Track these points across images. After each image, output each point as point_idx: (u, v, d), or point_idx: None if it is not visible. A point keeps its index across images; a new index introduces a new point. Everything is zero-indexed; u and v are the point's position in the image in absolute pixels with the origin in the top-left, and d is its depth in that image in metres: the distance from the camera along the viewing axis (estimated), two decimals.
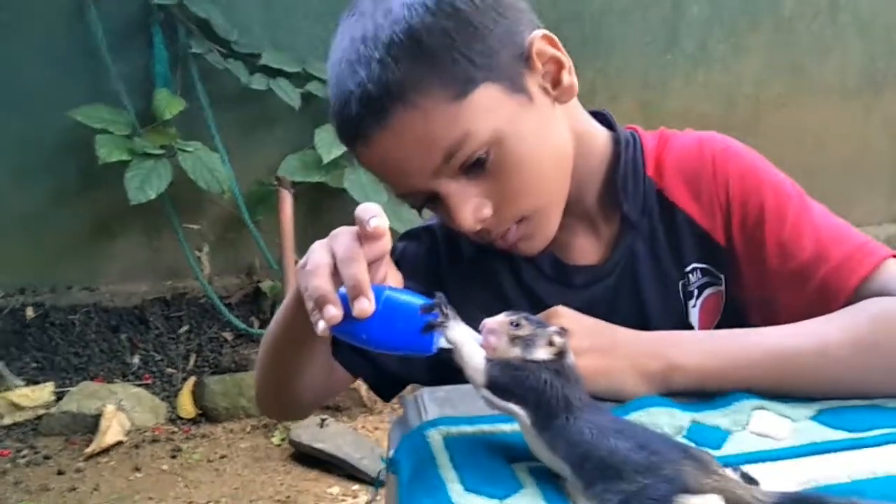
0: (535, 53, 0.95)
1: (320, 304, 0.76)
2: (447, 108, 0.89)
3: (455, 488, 0.74)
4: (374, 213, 0.77)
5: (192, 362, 2.87)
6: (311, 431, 2.44)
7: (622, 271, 1.06)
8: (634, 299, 1.06)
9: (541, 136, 0.96)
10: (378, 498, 0.90)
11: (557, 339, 0.75)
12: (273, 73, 2.88)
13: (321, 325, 0.76)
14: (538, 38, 0.95)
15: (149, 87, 2.86)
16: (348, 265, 0.76)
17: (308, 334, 0.81)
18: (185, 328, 2.97)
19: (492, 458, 0.80)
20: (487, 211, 0.95)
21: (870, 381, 0.89)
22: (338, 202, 3.02)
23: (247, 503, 2.31)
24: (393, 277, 0.90)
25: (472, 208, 0.94)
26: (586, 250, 1.08)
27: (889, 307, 0.91)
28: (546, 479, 0.76)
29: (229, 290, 3.11)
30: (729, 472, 0.73)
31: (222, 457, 2.52)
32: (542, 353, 0.75)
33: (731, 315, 1.06)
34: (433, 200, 0.96)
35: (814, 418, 0.86)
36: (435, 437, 0.83)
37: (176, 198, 2.85)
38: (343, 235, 0.80)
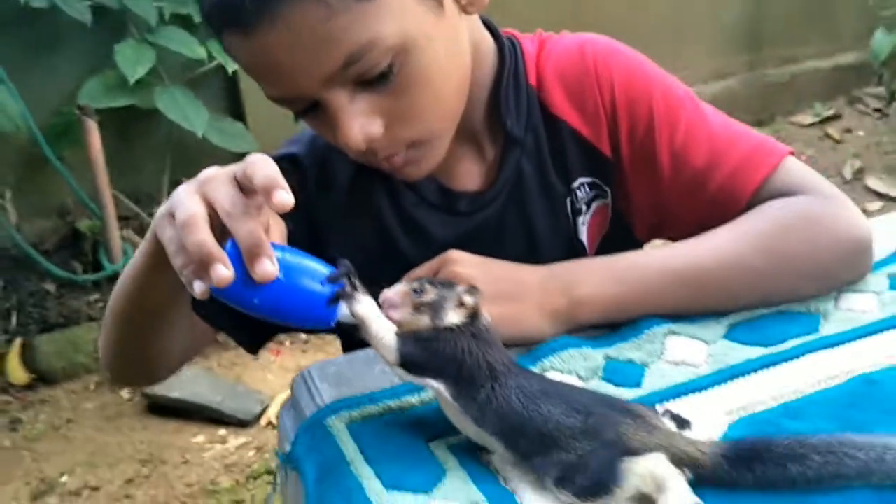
0: None
1: (206, 262, 0.64)
2: (353, 7, 0.76)
3: (373, 487, 0.68)
4: (279, 184, 0.64)
5: (14, 322, 2.64)
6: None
7: (509, 193, 1.01)
8: (523, 221, 1.02)
9: (449, 50, 0.86)
10: (275, 494, 0.81)
11: (468, 299, 0.69)
12: None
13: (200, 287, 0.65)
14: None
15: None
16: (242, 220, 0.65)
17: (174, 293, 0.74)
18: None
19: (406, 441, 0.73)
20: (377, 129, 0.84)
21: (779, 287, 0.88)
22: (150, 124, 2.77)
23: (105, 469, 2.18)
24: (275, 225, 0.79)
25: (360, 125, 0.83)
26: (472, 174, 1.02)
27: (792, 208, 0.90)
28: (469, 455, 0.71)
29: (42, 235, 2.82)
30: (661, 415, 0.70)
31: (69, 421, 2.36)
32: (453, 317, 0.69)
33: (618, 227, 1.04)
34: (315, 109, 0.84)
35: (726, 336, 0.86)
36: (337, 425, 0.75)
37: None
38: (221, 182, 0.68)
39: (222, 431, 2.28)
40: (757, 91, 3.86)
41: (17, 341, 2.57)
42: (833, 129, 3.76)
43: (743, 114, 3.85)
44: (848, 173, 3.35)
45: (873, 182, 3.26)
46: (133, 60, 2.54)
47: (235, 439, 2.24)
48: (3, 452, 2.25)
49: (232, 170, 0.69)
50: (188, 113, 2.56)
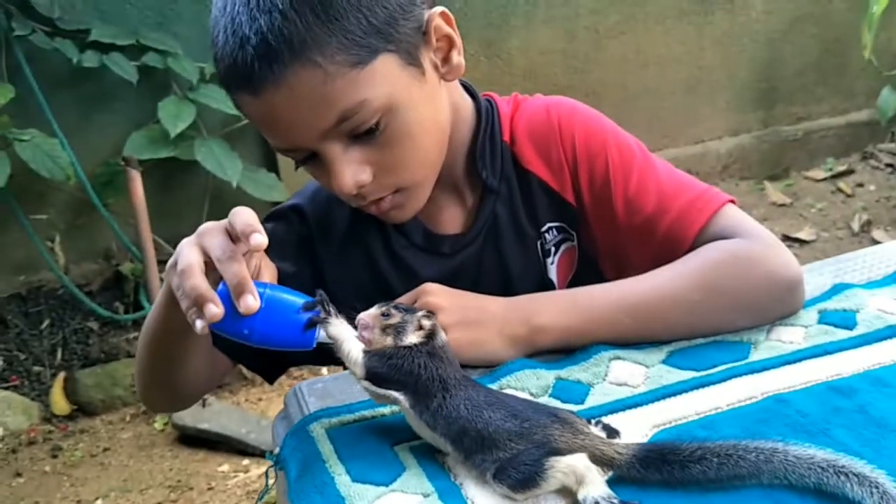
0: (432, 28, 0.95)
1: (199, 303, 0.77)
2: (347, 74, 0.87)
3: (343, 481, 0.78)
4: (255, 229, 0.77)
5: (59, 357, 2.76)
6: (194, 412, 2.42)
7: (486, 236, 1.10)
8: (498, 261, 1.11)
9: (428, 111, 0.97)
10: (271, 486, 0.92)
11: (426, 322, 0.80)
12: (105, 48, 2.70)
13: (200, 324, 0.78)
14: (437, 14, 0.95)
15: None
16: (229, 264, 0.78)
17: (186, 330, 0.81)
18: (47, 322, 2.84)
19: (374, 443, 0.84)
20: (366, 177, 0.94)
21: (715, 320, 0.97)
22: (190, 175, 2.90)
23: (137, 494, 2.28)
24: (266, 267, 0.91)
25: (352, 173, 0.93)
26: (453, 219, 1.12)
27: (728, 249, 0.99)
28: (427, 457, 0.82)
29: (88, 277, 2.95)
30: (593, 427, 0.80)
31: (105, 450, 2.48)
32: (413, 338, 0.80)
33: (586, 267, 1.13)
34: (313, 158, 0.95)
35: (664, 361, 0.95)
36: (318, 430, 0.86)
37: (18, 190, 2.67)
38: (214, 233, 0.81)
39: (246, 461, 2.38)
40: (771, 147, 3.92)
41: (61, 375, 2.69)
42: (845, 184, 3.82)
43: (758, 169, 3.94)
44: (856, 226, 3.41)
45: (879, 234, 3.32)
46: (175, 116, 2.69)
47: (258, 468, 2.34)
48: (45, 477, 2.37)
49: (224, 222, 0.81)
50: (224, 164, 2.70)
